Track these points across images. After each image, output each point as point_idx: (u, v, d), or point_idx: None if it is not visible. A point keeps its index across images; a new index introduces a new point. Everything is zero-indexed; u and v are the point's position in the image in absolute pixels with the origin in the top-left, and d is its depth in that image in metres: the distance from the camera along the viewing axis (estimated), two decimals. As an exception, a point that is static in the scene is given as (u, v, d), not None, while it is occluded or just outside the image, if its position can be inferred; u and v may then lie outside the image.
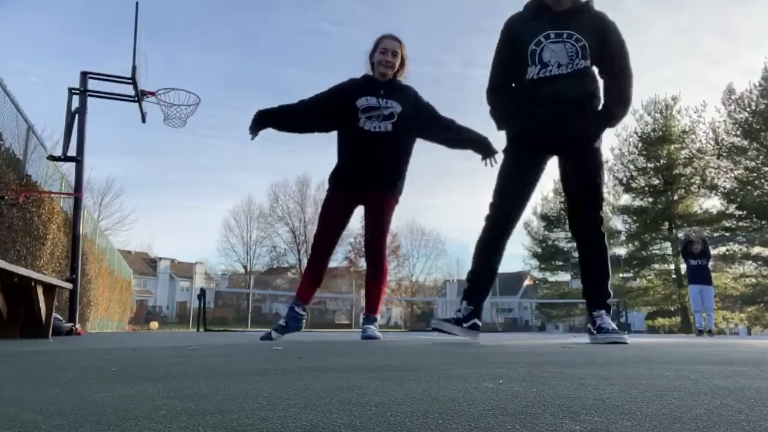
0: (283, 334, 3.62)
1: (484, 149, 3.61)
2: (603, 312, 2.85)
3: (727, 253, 23.01)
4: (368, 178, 3.67)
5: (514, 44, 2.85)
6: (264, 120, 3.74)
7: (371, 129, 3.62)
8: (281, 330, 3.62)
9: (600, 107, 2.83)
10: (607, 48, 2.78)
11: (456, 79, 59.81)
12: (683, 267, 24.40)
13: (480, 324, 2.94)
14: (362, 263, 37.57)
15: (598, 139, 2.87)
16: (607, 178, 27.34)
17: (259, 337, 3.75)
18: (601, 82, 2.84)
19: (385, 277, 3.94)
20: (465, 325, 2.88)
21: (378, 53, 3.71)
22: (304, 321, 3.82)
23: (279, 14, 54.63)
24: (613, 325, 2.83)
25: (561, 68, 2.73)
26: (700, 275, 9.15)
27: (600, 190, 2.88)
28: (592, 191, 2.85)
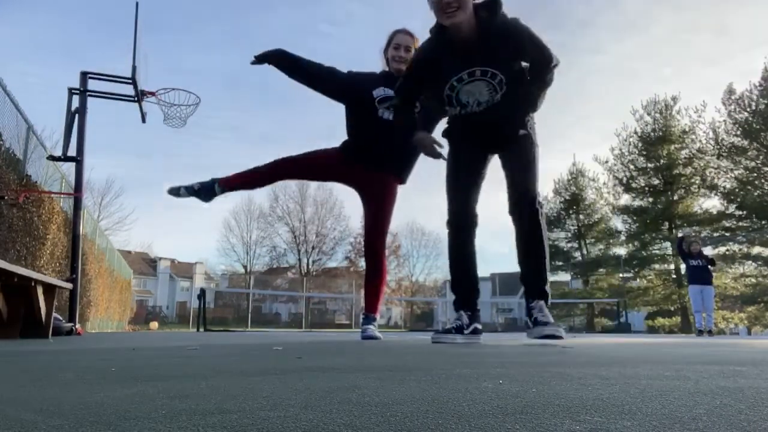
0: (188, 195, 3.78)
1: None
2: (541, 302, 2.65)
3: (727, 253, 23.00)
4: (379, 157, 3.69)
5: (430, 80, 2.80)
6: (277, 56, 3.78)
7: (387, 117, 3.64)
8: (190, 192, 3.77)
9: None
10: (522, 54, 2.67)
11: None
12: (683, 267, 24.47)
13: (480, 326, 2.92)
14: (362, 263, 37.68)
15: (524, 126, 2.79)
16: (607, 178, 27.36)
17: (167, 189, 3.90)
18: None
19: (384, 276, 3.94)
20: (466, 332, 2.82)
21: (391, 49, 3.72)
22: (212, 199, 3.86)
23: (277, 15, 54.64)
24: (550, 318, 2.61)
25: (482, 105, 2.70)
26: (700, 275, 9.15)
27: (533, 168, 2.78)
28: (524, 171, 2.77)
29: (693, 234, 10.19)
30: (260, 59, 3.75)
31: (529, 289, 2.72)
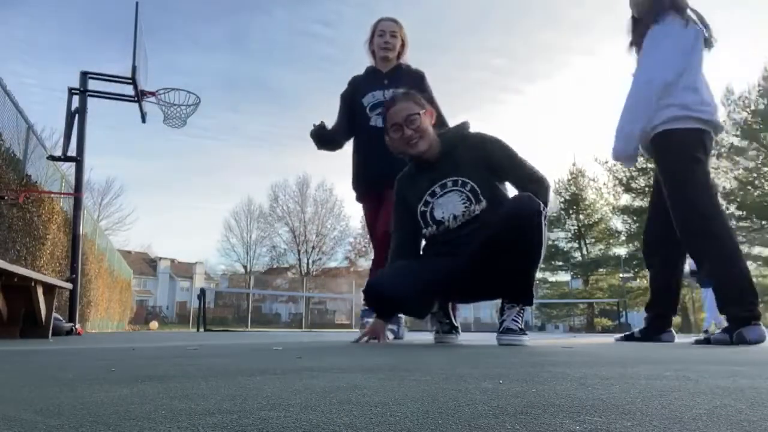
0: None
1: None
2: (513, 305, 2.48)
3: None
4: (384, 177, 3.48)
5: (406, 205, 2.71)
6: (323, 141, 3.65)
7: (380, 125, 3.48)
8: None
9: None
10: (499, 171, 2.56)
11: (448, 81, 59.93)
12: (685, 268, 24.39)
13: (457, 325, 2.95)
14: (362, 263, 37.72)
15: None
16: (607, 178, 27.37)
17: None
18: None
19: None
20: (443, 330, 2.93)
21: (376, 37, 3.58)
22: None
23: (270, 16, 54.66)
24: (516, 324, 2.44)
25: (458, 219, 2.52)
26: None
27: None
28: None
29: None
30: (318, 136, 3.60)
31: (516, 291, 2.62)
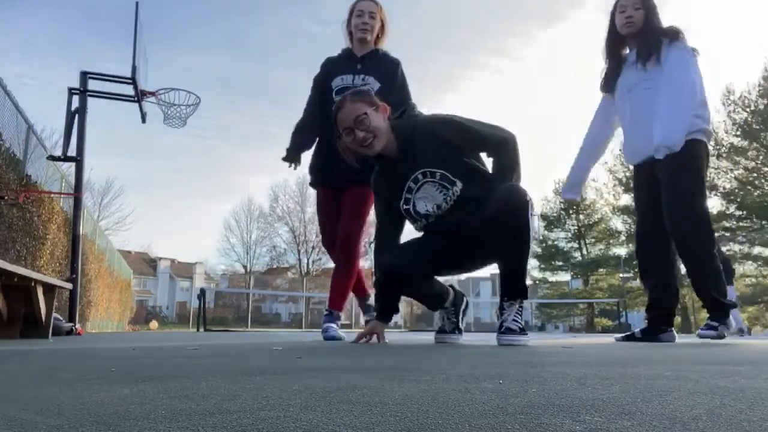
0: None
1: None
2: (512, 303, 2.47)
3: (727, 253, 23.02)
4: (344, 173, 3.26)
5: (389, 205, 2.69)
6: (298, 149, 3.58)
7: None
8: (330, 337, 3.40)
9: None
10: (461, 147, 2.53)
11: (446, 80, 59.93)
12: (683, 268, 24.40)
13: (462, 327, 2.96)
14: (362, 263, 37.41)
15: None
16: (607, 178, 27.37)
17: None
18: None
19: (353, 272, 3.59)
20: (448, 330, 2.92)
21: (354, 17, 3.40)
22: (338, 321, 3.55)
23: (267, 15, 54.68)
24: (516, 324, 2.43)
25: (442, 207, 2.52)
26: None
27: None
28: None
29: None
30: (293, 158, 3.54)
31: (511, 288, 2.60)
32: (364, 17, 3.37)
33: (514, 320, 2.44)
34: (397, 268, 2.60)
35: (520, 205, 2.34)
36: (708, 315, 3.25)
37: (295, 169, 3.62)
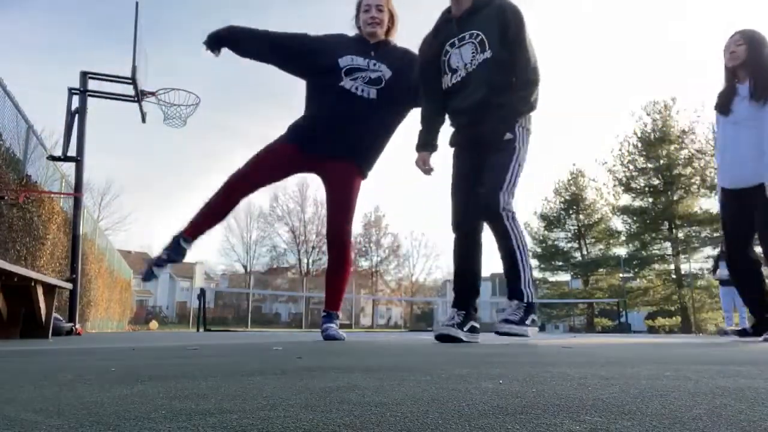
0: (164, 266, 3.35)
1: None
2: (514, 302, 2.65)
3: (727, 253, 23.02)
4: (335, 143, 3.23)
5: (430, 61, 2.99)
6: (231, 36, 3.43)
7: (351, 90, 3.22)
8: (162, 263, 3.34)
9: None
10: (507, 33, 2.77)
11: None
12: (683, 267, 24.49)
13: (478, 326, 2.94)
14: (362, 263, 37.79)
15: (505, 134, 2.76)
16: (607, 178, 27.36)
17: (142, 277, 3.50)
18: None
19: (348, 269, 3.54)
20: (465, 329, 2.85)
21: (362, 13, 3.34)
22: (185, 254, 3.39)
23: (268, 15, 54.64)
24: (515, 316, 2.58)
25: (467, 67, 2.83)
26: None
27: (502, 173, 2.74)
28: (491, 176, 2.76)
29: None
30: (214, 44, 3.40)
31: (508, 290, 2.80)
32: (372, 11, 3.32)
33: (513, 313, 2.57)
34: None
35: (491, 216, 2.67)
36: None
37: (215, 54, 3.46)
